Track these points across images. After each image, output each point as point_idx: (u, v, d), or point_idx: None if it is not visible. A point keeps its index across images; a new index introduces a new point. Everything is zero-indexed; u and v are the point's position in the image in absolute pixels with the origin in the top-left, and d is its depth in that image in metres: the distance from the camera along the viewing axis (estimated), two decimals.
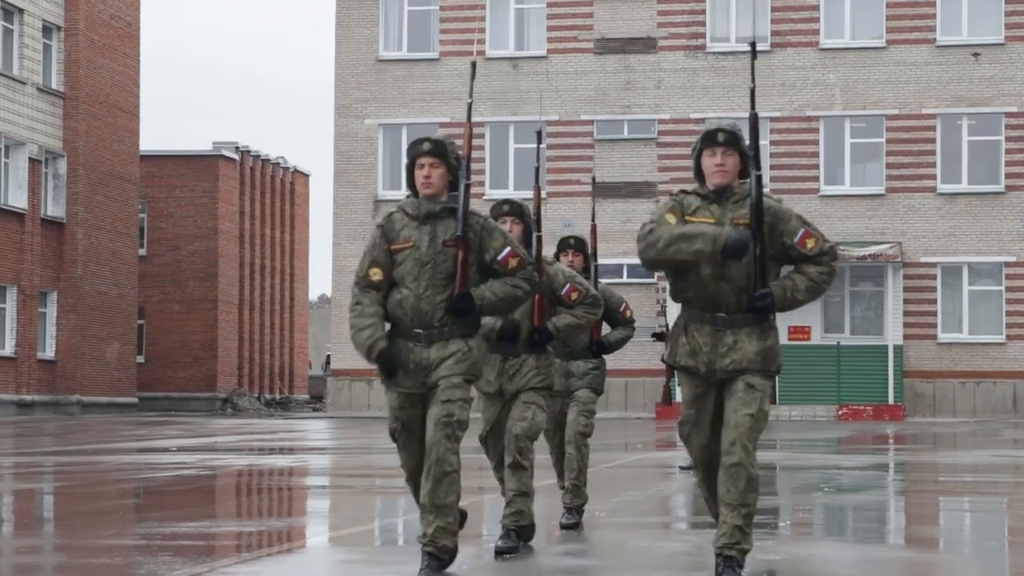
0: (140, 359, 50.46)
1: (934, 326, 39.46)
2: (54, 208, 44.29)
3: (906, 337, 39.15)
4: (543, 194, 40.29)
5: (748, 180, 7.90)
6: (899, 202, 39.70)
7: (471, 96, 8.87)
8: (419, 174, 8.27)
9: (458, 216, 8.19)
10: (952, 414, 38.73)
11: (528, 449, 9.29)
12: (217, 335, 52.50)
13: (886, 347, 38.83)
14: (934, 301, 39.52)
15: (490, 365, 9.43)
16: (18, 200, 42.64)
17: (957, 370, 39.19)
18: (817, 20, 40.38)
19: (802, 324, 39.30)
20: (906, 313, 39.24)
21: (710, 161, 7.85)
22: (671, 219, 7.82)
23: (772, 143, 39.93)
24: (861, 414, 38.12)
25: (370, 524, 11.89)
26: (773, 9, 40.48)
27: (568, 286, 9.60)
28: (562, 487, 10.98)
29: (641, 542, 10.00)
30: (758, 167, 7.85)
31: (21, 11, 42.93)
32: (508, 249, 8.23)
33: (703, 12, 40.49)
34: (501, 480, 9.61)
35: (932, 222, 39.48)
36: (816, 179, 39.98)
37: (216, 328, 52.43)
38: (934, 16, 39.96)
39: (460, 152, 8.33)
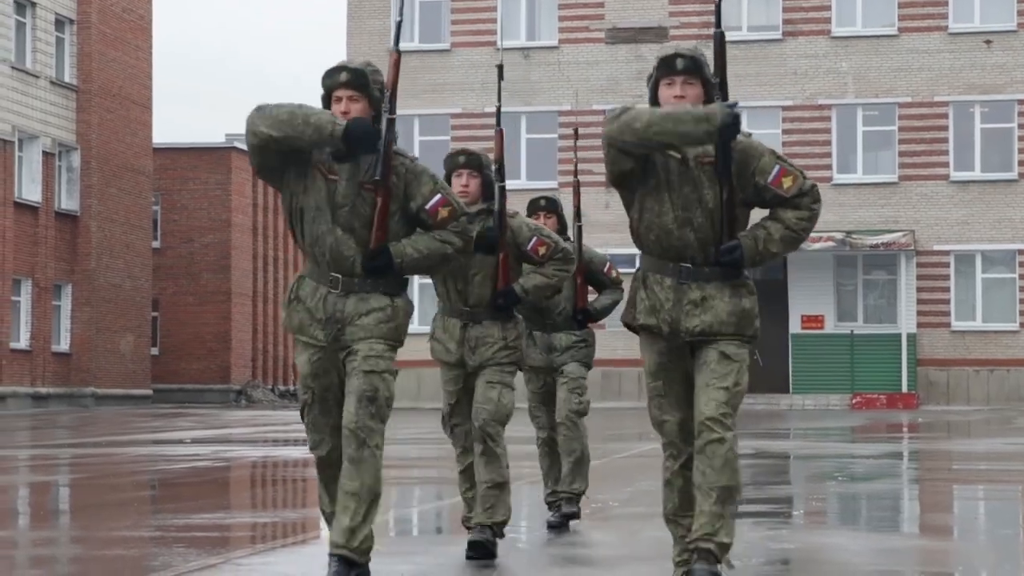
0: (154, 351, 50.54)
1: (948, 314, 39.40)
2: (68, 201, 44.36)
3: (920, 325, 39.11)
4: (555, 183, 40.42)
5: None
6: (912, 190, 39.65)
7: (400, 20, 7.53)
8: (336, 109, 7.03)
9: (378, 156, 6.98)
10: (966, 402, 38.69)
11: (498, 435, 8.43)
12: (231, 327, 52.57)
13: (900, 335, 38.79)
14: (947, 289, 39.47)
15: (448, 331, 8.51)
16: (32, 193, 42.72)
17: (971, 358, 39.14)
18: (829, 8, 40.31)
19: (815, 313, 39.28)
20: (919, 301, 39.19)
21: (668, 92, 6.69)
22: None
23: (784, 132, 39.88)
24: (875, 402, 38.10)
25: (384, 514, 11.92)
26: None
27: (534, 240, 8.63)
28: (549, 494, 10.15)
29: (655, 532, 10.01)
30: (725, 97, 6.72)
31: (34, 4, 42.98)
32: (438, 196, 7.04)
33: (714, 0, 40.43)
34: (464, 472, 8.71)
35: (945, 210, 39.43)
36: (829, 167, 39.93)
37: (230, 320, 52.50)
38: (946, 3, 39.87)
39: (384, 82, 7.14)
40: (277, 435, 25.72)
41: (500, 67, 9.01)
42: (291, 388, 56.66)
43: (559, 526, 9.95)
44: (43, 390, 42.72)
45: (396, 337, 7.07)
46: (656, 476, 15.37)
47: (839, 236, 38.43)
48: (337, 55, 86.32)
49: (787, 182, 6.76)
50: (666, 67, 6.82)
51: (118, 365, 45.84)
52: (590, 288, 10.39)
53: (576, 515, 10.13)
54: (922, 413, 34.74)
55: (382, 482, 7.00)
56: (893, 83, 39.87)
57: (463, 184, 8.50)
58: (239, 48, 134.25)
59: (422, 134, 41.42)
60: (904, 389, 38.60)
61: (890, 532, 10.60)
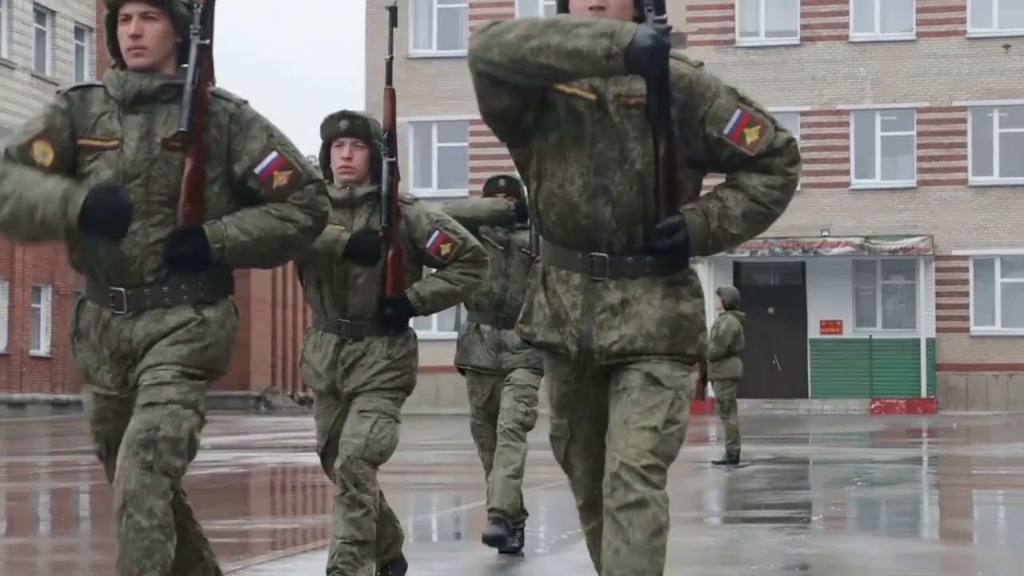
0: None
1: (966, 319, 39.34)
2: None
3: (938, 330, 39.05)
4: None
5: None
6: (930, 195, 39.60)
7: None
8: (123, 32, 5.04)
9: (184, 99, 4.89)
10: (985, 407, 38.62)
11: (366, 479, 6.57)
12: (250, 334, 52.67)
13: (919, 340, 38.74)
14: (966, 294, 39.41)
15: (320, 350, 6.78)
16: None
17: (990, 363, 39.07)
18: (847, 13, 40.29)
19: (834, 318, 39.24)
20: (938, 306, 39.13)
21: (581, 3, 4.73)
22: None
23: (803, 137, 39.85)
24: (894, 408, 38.05)
25: (404, 520, 11.94)
26: (802, 2, 40.40)
27: (436, 235, 6.76)
28: (491, 512, 8.74)
29: (673, 537, 9.99)
30: (660, 10, 4.73)
31: (53, 13, 43.13)
32: (274, 156, 4.98)
33: (732, 6, 40.44)
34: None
35: (964, 215, 39.37)
36: (847, 173, 39.89)
37: (249, 327, 52.60)
38: (964, 8, 39.83)
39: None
40: (296, 441, 25.77)
41: (392, 9, 7.08)
42: (310, 395, 56.73)
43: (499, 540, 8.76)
44: (63, 397, 42.83)
45: (201, 362, 5.02)
46: (673, 482, 15.36)
47: (857, 241, 38.40)
48: (357, 60, 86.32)
49: (751, 135, 4.67)
50: None
51: None
52: None
53: (502, 540, 8.77)
54: (941, 418, 34.68)
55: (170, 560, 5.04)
56: (911, 88, 39.83)
57: (345, 156, 6.67)
58: (258, 52, 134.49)
59: (440, 140, 41.53)
60: (923, 394, 38.54)
61: (910, 537, 10.60)
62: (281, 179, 5.00)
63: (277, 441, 25.80)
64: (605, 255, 4.64)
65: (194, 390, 5.01)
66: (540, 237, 4.82)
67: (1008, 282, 39.51)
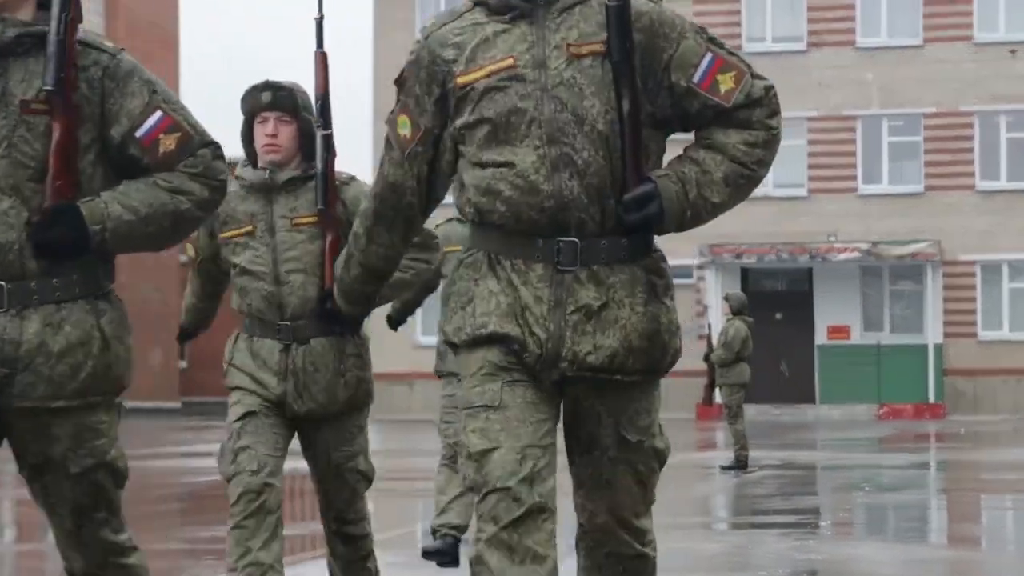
0: (183, 364, 50.69)
1: (974, 324, 39.32)
2: None
3: (946, 335, 39.02)
4: None
5: None
6: (938, 200, 39.58)
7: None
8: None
9: (48, 49, 3.92)
10: (993, 412, 38.60)
11: (363, 523, 6.32)
12: None
13: (926, 345, 38.72)
14: (974, 299, 39.39)
15: (259, 358, 5.87)
16: None
17: (998, 368, 39.04)
18: (854, 19, 40.30)
19: (842, 323, 39.23)
20: (946, 311, 39.12)
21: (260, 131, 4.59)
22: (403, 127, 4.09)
23: (810, 142, 39.86)
24: (902, 413, 38.03)
25: (412, 526, 11.95)
26: (809, 8, 40.41)
27: None
28: (452, 529, 8.76)
29: (681, 543, 10.03)
30: None
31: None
32: (158, 116, 4.04)
33: (738, 12, 40.47)
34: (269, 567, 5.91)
35: (971, 220, 39.35)
36: (854, 178, 39.89)
37: None
38: (971, 14, 39.83)
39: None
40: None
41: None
42: None
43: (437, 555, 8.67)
44: None
45: (104, 387, 4.18)
46: (681, 488, 15.40)
47: (865, 247, 38.40)
48: (365, 65, 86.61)
49: (725, 82, 4.01)
50: None
51: (147, 378, 45.97)
52: None
53: (443, 555, 8.76)
54: (949, 423, 34.67)
55: None
56: (918, 93, 39.83)
57: (269, 133, 5.83)
58: (266, 58, 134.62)
59: None
60: (931, 399, 38.51)
61: (918, 543, 10.60)
62: (168, 143, 4.04)
63: None
64: (575, 239, 3.87)
65: (112, 421, 4.25)
66: (474, 223, 3.99)
67: (1016, 287, 39.50)
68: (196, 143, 4.10)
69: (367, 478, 6.16)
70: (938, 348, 38.70)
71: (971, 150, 39.65)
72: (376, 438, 29.51)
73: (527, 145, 3.87)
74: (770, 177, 39.93)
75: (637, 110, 3.92)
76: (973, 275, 39.37)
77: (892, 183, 40.06)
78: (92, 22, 44.71)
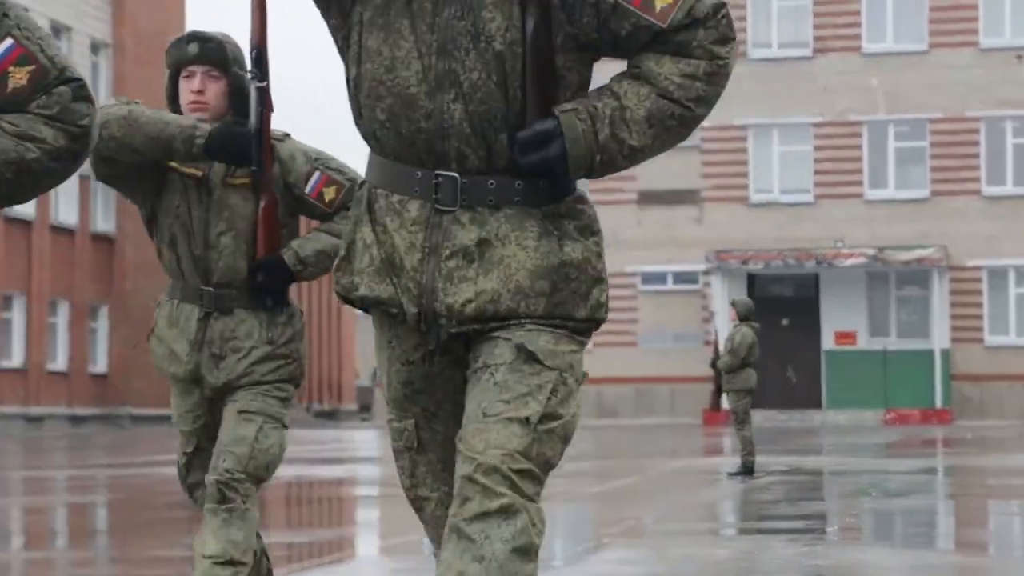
0: None
1: (981, 329, 39.32)
2: (104, 223, 44.65)
3: (953, 341, 39.02)
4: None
5: None
6: (944, 205, 39.59)
7: None
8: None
9: None
10: (1000, 417, 38.59)
11: (247, 497, 5.19)
12: None
13: (933, 351, 38.71)
14: (980, 304, 39.39)
15: (177, 326, 5.35)
16: (68, 216, 43.00)
17: (1005, 373, 39.03)
18: (859, 25, 40.32)
19: (848, 329, 39.23)
20: (952, 317, 39.12)
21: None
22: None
23: (816, 148, 39.89)
24: (908, 418, 38.02)
25: (420, 534, 11.97)
26: (815, 14, 40.45)
27: (317, 177, 5.34)
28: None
29: (688, 549, 10.03)
30: None
31: (69, 28, 43.26)
32: (8, 45, 3.31)
33: (744, 19, 40.49)
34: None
35: (977, 225, 39.35)
36: (860, 183, 39.90)
37: None
38: (976, 19, 39.85)
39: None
40: (311, 455, 25.81)
41: None
42: (326, 407, 56.77)
43: None
44: (80, 411, 42.93)
45: None
46: (688, 494, 15.41)
47: (871, 252, 38.40)
48: None
49: None
50: None
51: (154, 385, 45.99)
52: None
53: None
54: (956, 428, 34.65)
55: None
56: (924, 99, 39.84)
57: (195, 89, 5.33)
58: (274, 66, 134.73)
59: None
60: (938, 405, 38.50)
61: (925, 548, 10.60)
62: (19, 78, 3.30)
63: (292, 454, 25.83)
64: (455, 174, 3.26)
65: None
66: (369, 153, 3.42)
67: (1022, 292, 39.48)
68: (52, 78, 3.32)
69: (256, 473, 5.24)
70: (945, 353, 38.68)
71: (977, 155, 39.66)
72: (383, 444, 29.54)
73: (411, 49, 3.28)
74: (776, 183, 40.01)
75: (546, 31, 3.24)
76: (979, 280, 39.37)
77: (898, 188, 40.06)
78: (98, 30, 44.79)
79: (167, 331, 5.37)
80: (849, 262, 38.26)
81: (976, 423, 37.43)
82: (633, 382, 39.27)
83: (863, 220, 39.24)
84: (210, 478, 5.18)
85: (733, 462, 18.78)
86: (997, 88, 39.62)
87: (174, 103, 5.42)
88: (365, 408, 57.66)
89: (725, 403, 21.17)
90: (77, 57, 43.60)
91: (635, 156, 3.32)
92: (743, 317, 18.02)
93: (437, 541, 3.49)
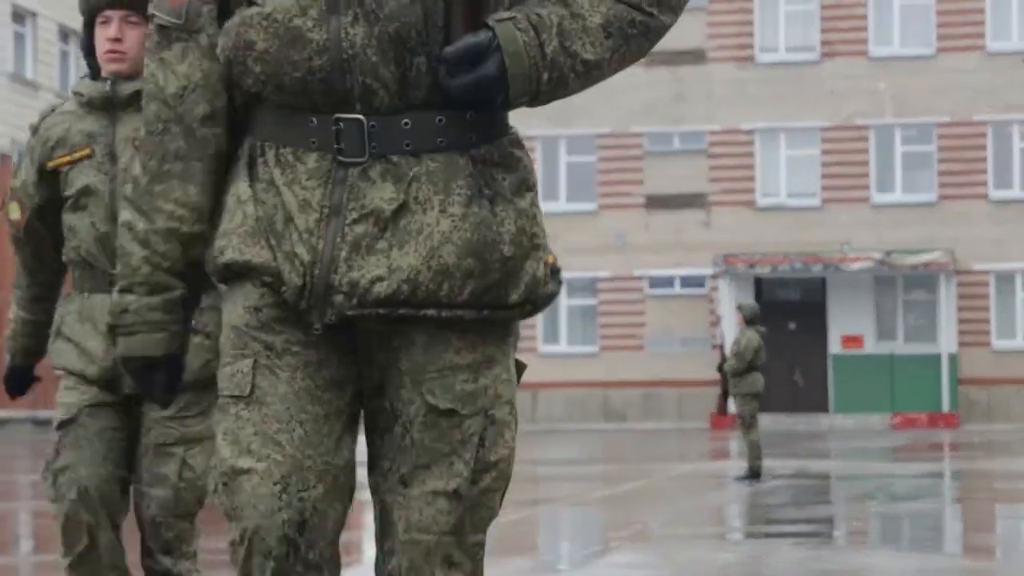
0: None
1: (988, 333, 39.31)
2: None
3: (960, 345, 39.02)
4: (595, 205, 40.57)
5: None
6: (951, 209, 39.58)
7: None
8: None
9: None
10: (1007, 421, 38.57)
11: (180, 540, 4.86)
12: None
13: (940, 355, 38.70)
14: (987, 308, 39.38)
15: (89, 321, 4.69)
16: None
17: (1012, 377, 39.01)
18: (866, 29, 40.33)
19: (855, 333, 39.22)
20: (960, 321, 39.11)
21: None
22: None
23: (823, 152, 39.88)
24: (915, 422, 38.00)
25: None
26: (823, 19, 40.45)
27: None
28: None
29: (695, 552, 10.05)
30: None
31: (34, 14, 42.65)
32: None
33: (751, 23, 40.50)
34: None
35: (984, 229, 39.34)
36: (867, 187, 39.90)
37: None
38: (983, 23, 39.85)
39: None
40: None
41: None
42: None
43: None
44: (43, 414, 42.86)
45: None
46: (695, 498, 15.42)
47: (878, 256, 38.40)
48: None
49: None
50: None
51: None
52: None
53: None
54: (963, 432, 34.63)
55: None
56: (931, 103, 39.84)
57: (112, 37, 4.69)
58: None
59: None
60: (945, 409, 38.49)
61: (932, 552, 10.61)
62: None
63: None
64: (360, 117, 2.59)
65: None
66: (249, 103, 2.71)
67: None
68: None
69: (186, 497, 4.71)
70: (952, 357, 38.68)
71: (984, 159, 39.65)
72: None
73: None
74: (783, 187, 40.03)
75: None
76: (987, 284, 39.36)
77: (905, 192, 40.06)
78: (68, 16, 44.48)
79: (78, 326, 4.68)
80: (856, 266, 38.25)
81: (983, 427, 37.42)
82: (640, 386, 39.28)
83: (870, 224, 39.22)
84: (147, 512, 4.78)
85: (740, 466, 18.79)
86: (1004, 92, 39.61)
87: (90, 55, 4.77)
88: None
89: (732, 407, 21.19)
90: (43, 45, 42.61)
91: (590, 73, 2.74)
92: (749, 321, 18.04)
93: (261, 533, 2.62)
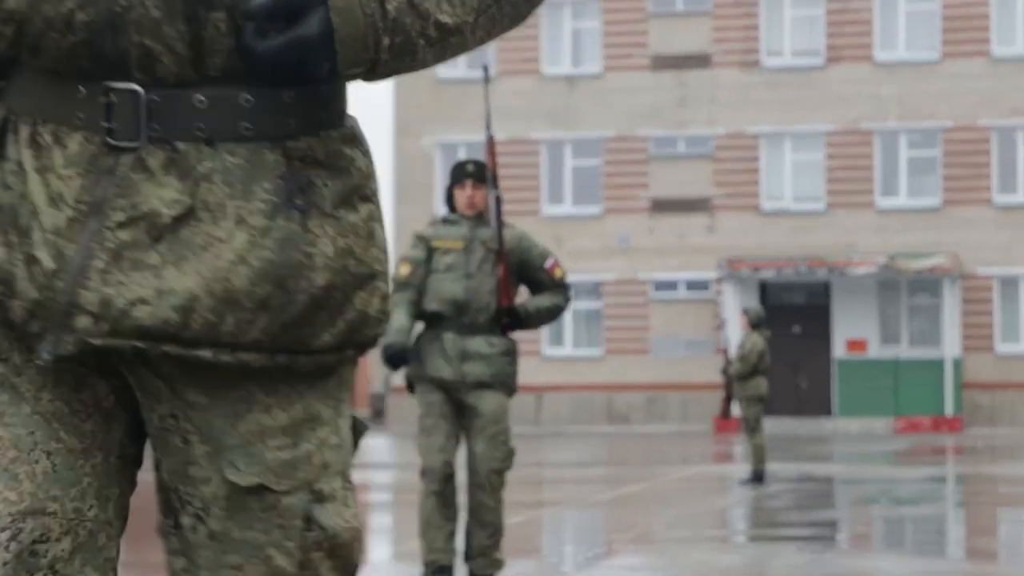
0: None
1: (992, 338, 39.32)
2: None
3: (964, 349, 39.02)
4: (600, 208, 40.57)
5: None
6: (955, 214, 39.60)
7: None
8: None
9: None
10: (1011, 425, 38.57)
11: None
12: None
13: (944, 359, 38.71)
14: (991, 313, 39.39)
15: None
16: None
17: (1016, 381, 39.02)
18: (871, 34, 40.34)
19: (859, 337, 39.22)
20: (964, 325, 39.11)
21: None
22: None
23: (828, 157, 39.90)
24: (919, 426, 38.01)
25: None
26: (828, 24, 40.47)
27: None
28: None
29: (699, 555, 10.09)
30: None
31: None
32: None
33: (757, 28, 40.53)
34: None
35: (989, 234, 39.35)
36: (871, 192, 39.91)
37: None
38: (988, 29, 39.86)
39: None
40: None
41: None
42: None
43: None
44: None
45: None
46: (699, 500, 15.44)
47: (883, 260, 38.42)
48: (386, 83, 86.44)
49: None
50: None
51: None
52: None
53: None
54: (967, 437, 34.64)
55: None
56: (936, 108, 39.85)
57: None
58: None
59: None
60: (949, 413, 38.50)
61: (935, 556, 10.64)
62: None
63: None
64: (137, 87, 1.97)
65: None
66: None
67: None
68: None
69: None
70: (956, 362, 38.69)
71: (988, 164, 39.66)
72: (396, 450, 29.55)
73: None
74: (788, 191, 40.05)
75: None
76: (991, 289, 39.37)
77: (910, 197, 40.07)
78: None
79: None
80: (861, 270, 38.26)
81: (987, 431, 37.42)
82: (644, 389, 39.30)
83: (875, 228, 39.23)
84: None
85: (744, 469, 18.83)
86: (1009, 97, 39.62)
87: None
88: (378, 414, 57.72)
89: (736, 411, 21.22)
90: None
91: (447, 40, 2.02)
92: (754, 325, 18.08)
93: None
